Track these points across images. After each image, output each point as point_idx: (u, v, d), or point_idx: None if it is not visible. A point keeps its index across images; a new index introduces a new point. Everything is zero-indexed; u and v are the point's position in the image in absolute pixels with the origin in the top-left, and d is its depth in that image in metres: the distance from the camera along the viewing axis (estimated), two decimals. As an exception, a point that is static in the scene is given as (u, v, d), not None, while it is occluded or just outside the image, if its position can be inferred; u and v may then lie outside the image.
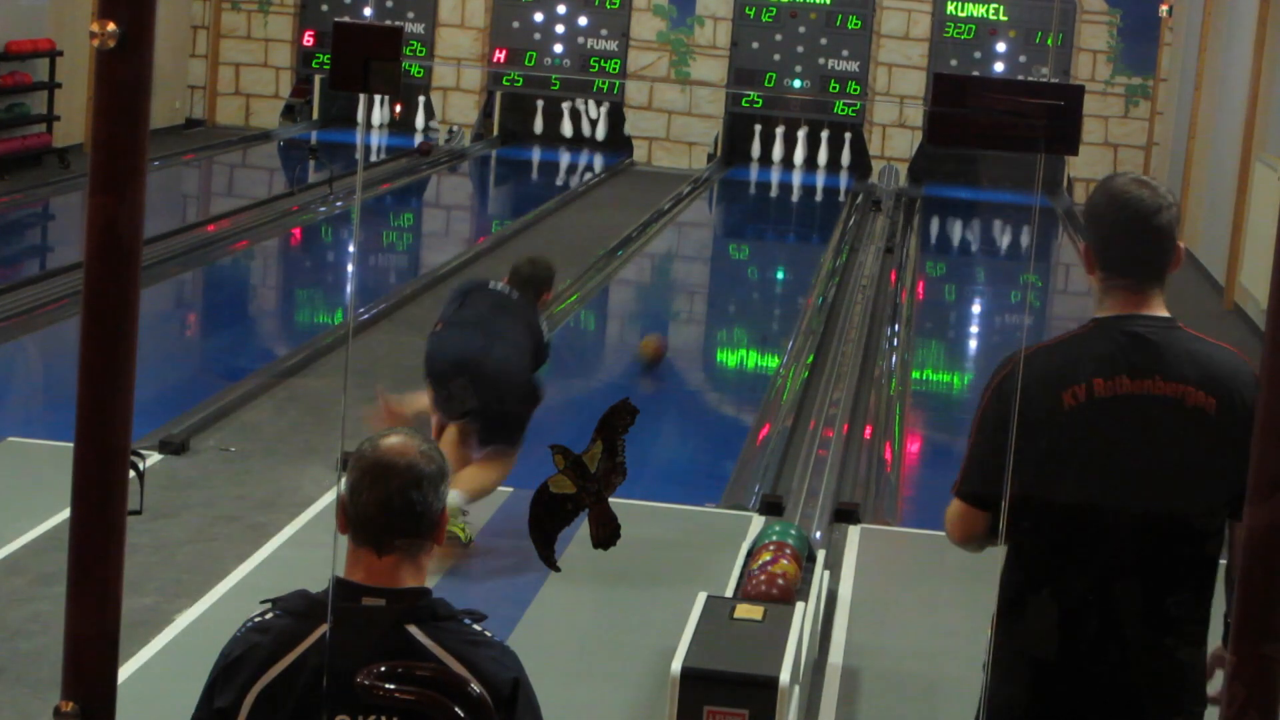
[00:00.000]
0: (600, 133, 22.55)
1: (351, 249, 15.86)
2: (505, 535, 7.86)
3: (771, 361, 12.56)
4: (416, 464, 3.07)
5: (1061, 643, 3.82)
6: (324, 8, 22.34)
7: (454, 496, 7.40)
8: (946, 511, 3.98)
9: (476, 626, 3.06)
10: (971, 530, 3.91)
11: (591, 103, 22.56)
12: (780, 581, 6.46)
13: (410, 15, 22.05)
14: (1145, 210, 3.82)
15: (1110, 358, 3.78)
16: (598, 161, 22.03)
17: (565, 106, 22.62)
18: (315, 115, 22.55)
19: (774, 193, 21.45)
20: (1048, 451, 3.74)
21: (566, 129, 22.63)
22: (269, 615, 3.07)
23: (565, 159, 22.26)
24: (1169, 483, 3.77)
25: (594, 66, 22.18)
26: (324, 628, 2.98)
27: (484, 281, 8.07)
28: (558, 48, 22.28)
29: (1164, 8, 21.17)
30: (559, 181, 21.51)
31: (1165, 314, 3.86)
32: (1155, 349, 3.78)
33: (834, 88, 21.93)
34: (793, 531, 7.10)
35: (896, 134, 21.92)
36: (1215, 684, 3.94)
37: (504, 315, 7.81)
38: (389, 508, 3.05)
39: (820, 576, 7.06)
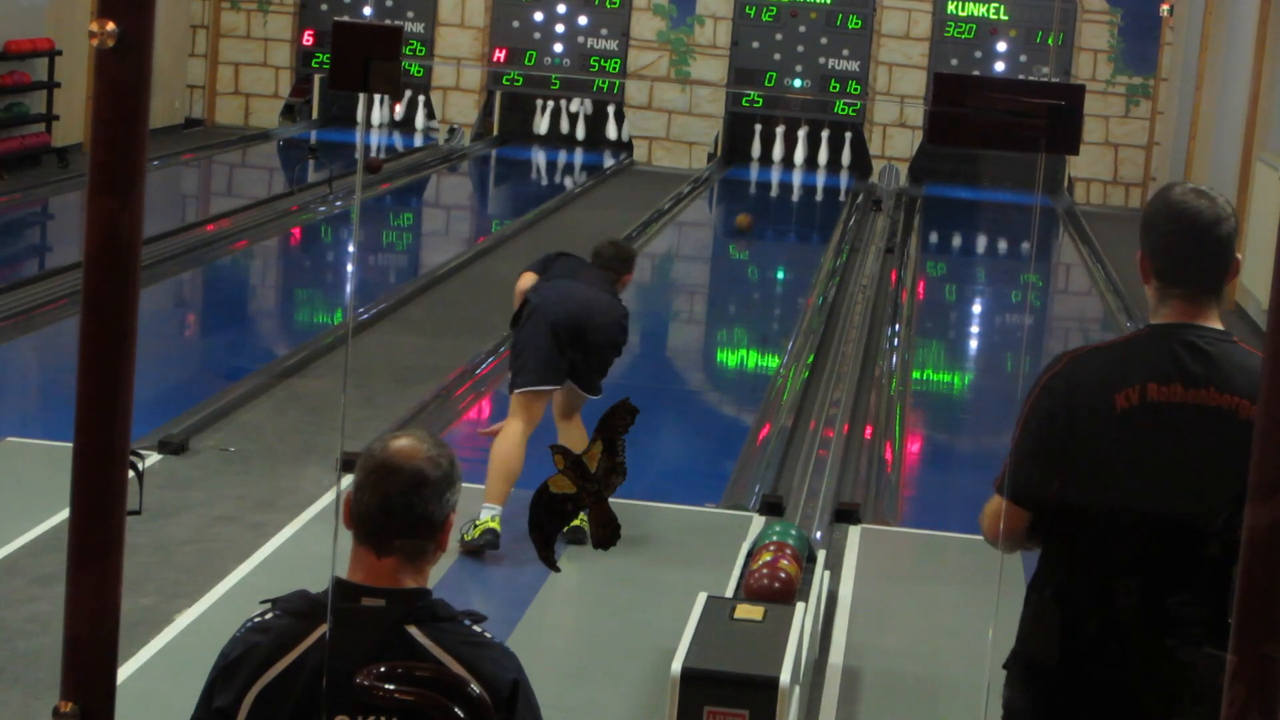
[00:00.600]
0: (600, 132, 22.55)
1: (351, 249, 15.86)
2: (505, 535, 7.85)
3: (771, 361, 12.56)
4: (421, 468, 3.06)
5: (1097, 647, 3.79)
6: (324, 7, 22.34)
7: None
8: (985, 507, 3.95)
9: (476, 628, 3.06)
10: (1011, 528, 3.86)
11: (590, 102, 22.56)
12: (782, 575, 6.46)
13: (410, 15, 22.05)
14: (1204, 221, 3.81)
15: (1165, 364, 3.77)
16: (597, 161, 22.03)
17: (561, 104, 22.61)
18: (315, 115, 22.55)
19: (774, 192, 21.45)
20: (1096, 453, 3.72)
21: (565, 128, 22.62)
22: (269, 615, 3.07)
23: (563, 158, 22.25)
24: (1216, 493, 3.72)
25: (594, 66, 22.18)
26: (324, 628, 2.98)
27: (564, 254, 8.25)
28: (558, 47, 22.28)
29: (1165, 7, 21.17)
30: (558, 180, 21.51)
31: (1220, 326, 3.85)
32: (1211, 360, 3.77)
33: (834, 87, 21.93)
34: (793, 532, 7.10)
35: (897, 134, 21.92)
36: None
37: (596, 280, 8.03)
38: (388, 509, 3.05)
39: (820, 576, 7.06)
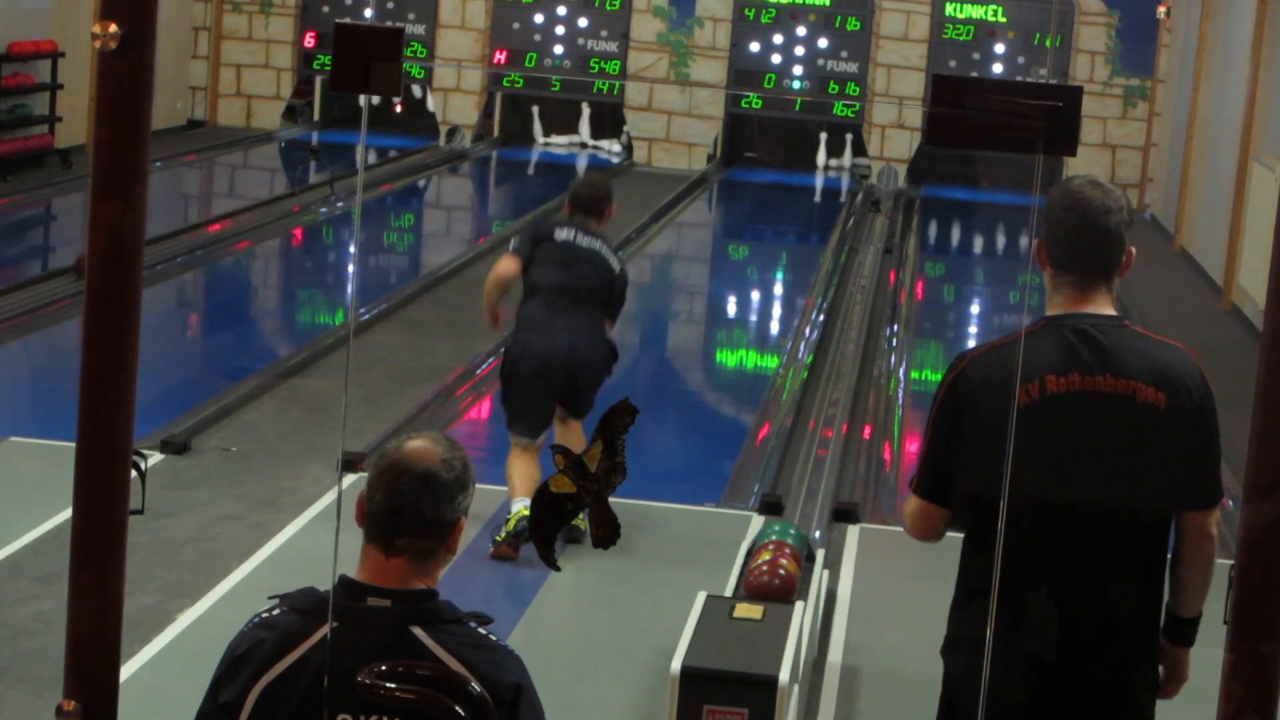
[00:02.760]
0: (600, 133, 22.56)
1: (352, 249, 15.87)
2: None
3: (771, 361, 12.57)
4: (433, 470, 3.07)
5: (1017, 631, 3.92)
6: (325, 9, 22.35)
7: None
8: (905, 509, 4.10)
9: (481, 630, 3.07)
10: (930, 525, 4.05)
11: (589, 104, 22.57)
12: (782, 572, 6.47)
13: (411, 16, 22.05)
14: (1094, 210, 3.94)
15: (1061, 355, 3.89)
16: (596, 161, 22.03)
17: (563, 107, 22.63)
18: (316, 116, 22.55)
19: (774, 193, 21.45)
20: (1003, 447, 3.80)
21: (567, 129, 22.64)
22: (276, 611, 3.07)
23: (557, 159, 22.26)
24: (1120, 477, 3.89)
25: (594, 67, 22.18)
26: (328, 626, 2.98)
27: (549, 231, 8.08)
28: (558, 49, 22.28)
29: (1162, 9, 21.18)
30: (556, 177, 21.52)
31: (1113, 312, 3.97)
32: (1103, 347, 3.90)
33: (833, 89, 21.94)
34: (792, 531, 7.11)
35: (896, 135, 21.92)
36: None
37: (576, 299, 7.90)
38: (397, 509, 3.05)
39: (820, 576, 7.07)
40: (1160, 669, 4.09)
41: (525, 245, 8.08)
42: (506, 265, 8.04)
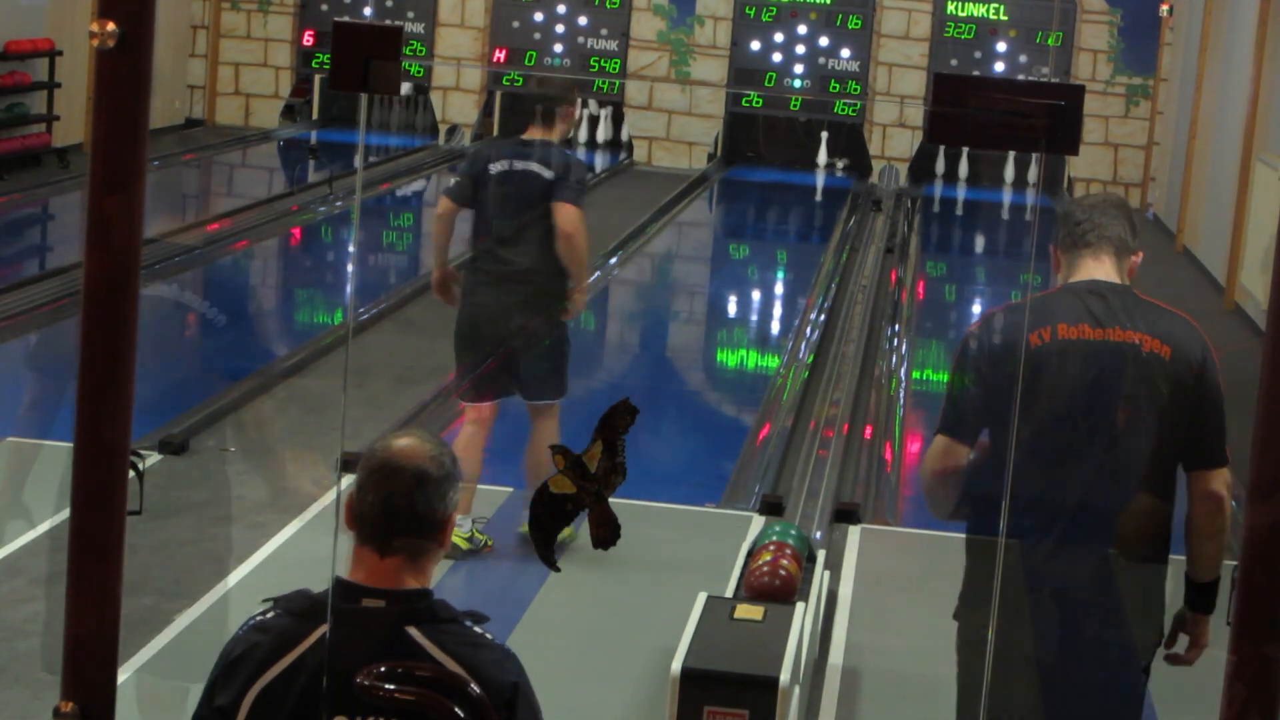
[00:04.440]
0: (600, 133, 22.55)
1: (351, 249, 15.86)
2: (505, 535, 7.86)
3: (771, 361, 12.56)
4: (423, 467, 3.06)
5: (1023, 573, 4.25)
6: (324, 7, 22.34)
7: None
8: (928, 451, 4.40)
9: (477, 629, 3.06)
10: (953, 463, 4.32)
11: (592, 102, 22.57)
12: (783, 572, 6.47)
13: (410, 15, 22.05)
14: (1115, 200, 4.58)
15: (1073, 309, 4.27)
16: (597, 161, 22.03)
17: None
18: (315, 115, 22.55)
19: (774, 192, 21.45)
20: (1016, 388, 4.22)
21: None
22: (270, 614, 3.06)
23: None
24: (1125, 423, 4.21)
25: (594, 66, 22.18)
26: (324, 628, 2.98)
27: (484, 163, 7.39)
28: (558, 47, 22.28)
29: (1164, 7, 21.17)
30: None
31: (1125, 282, 4.38)
32: (1113, 305, 4.28)
33: (834, 87, 21.93)
34: (793, 532, 7.09)
35: (897, 134, 21.91)
36: (1180, 645, 4.18)
37: (526, 237, 7.42)
38: (391, 509, 3.05)
39: (820, 576, 7.06)
40: (1182, 636, 4.34)
41: (464, 185, 7.50)
42: (441, 208, 7.52)
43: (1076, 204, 4.54)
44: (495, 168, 7.41)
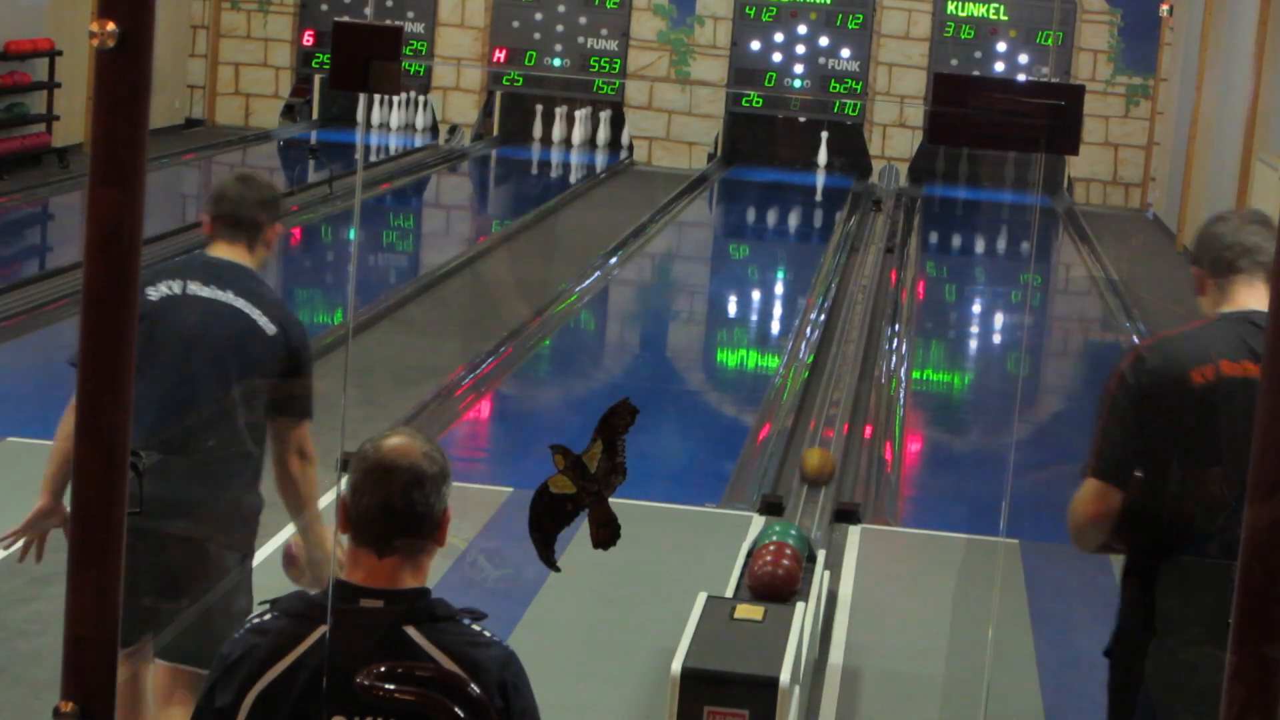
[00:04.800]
0: (600, 134, 22.55)
1: (352, 249, 15.86)
2: (505, 535, 7.86)
3: (771, 361, 12.56)
4: (418, 465, 3.06)
5: (1182, 610, 4.06)
6: (324, 7, 22.34)
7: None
8: (1075, 496, 4.16)
9: (476, 626, 3.05)
10: (1107, 507, 4.10)
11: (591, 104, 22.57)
12: (785, 562, 6.47)
13: (410, 15, 22.05)
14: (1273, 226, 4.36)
15: (1236, 343, 4.06)
16: (597, 161, 22.03)
17: (561, 110, 22.62)
18: (315, 115, 22.55)
19: (774, 192, 21.46)
20: (1178, 426, 4.02)
21: (563, 129, 22.63)
22: (268, 616, 3.06)
23: (557, 157, 22.26)
24: None
25: (594, 66, 22.18)
26: (323, 629, 2.97)
27: (164, 300, 5.03)
28: (558, 47, 22.28)
29: (1165, 7, 21.17)
30: (555, 176, 21.51)
31: None
32: None
33: (834, 87, 21.93)
34: (793, 531, 7.10)
35: (896, 134, 21.91)
36: None
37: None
38: (389, 509, 3.04)
39: (820, 576, 7.06)
40: None
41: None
42: None
43: (1222, 223, 4.34)
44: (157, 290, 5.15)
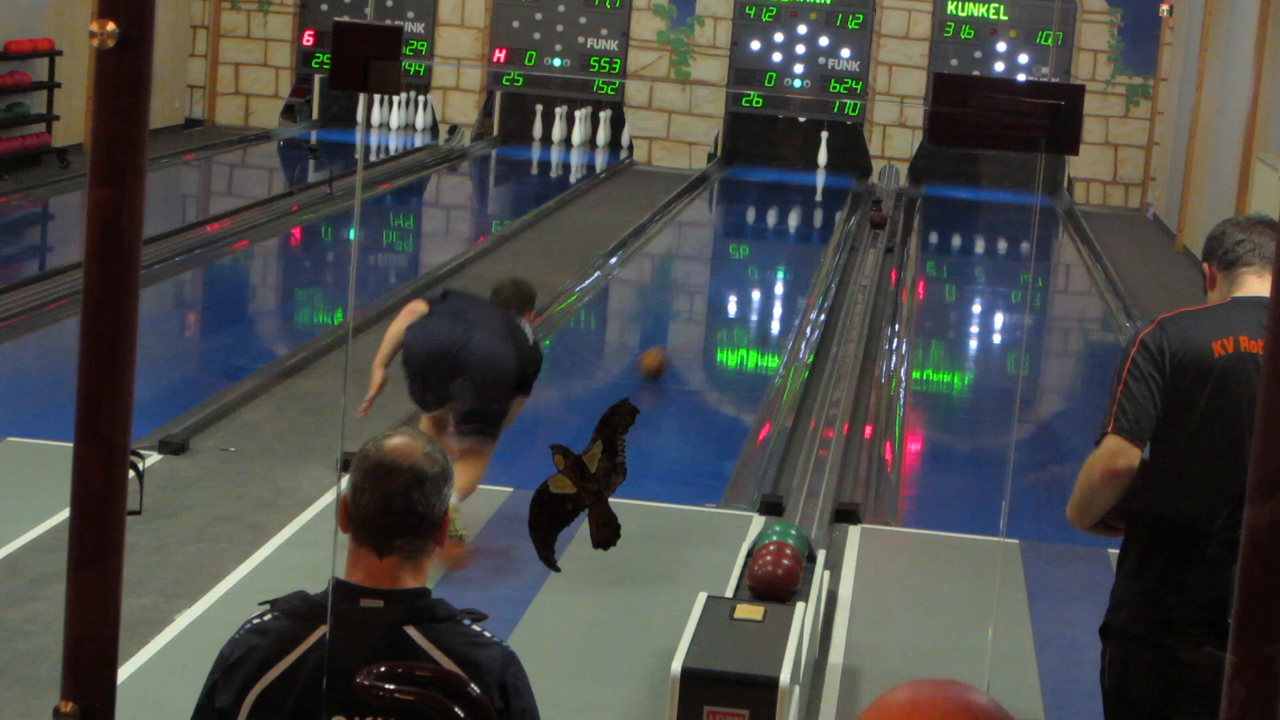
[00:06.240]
0: (600, 134, 22.56)
1: (352, 250, 15.85)
2: (505, 535, 7.86)
3: (771, 361, 12.56)
4: (419, 465, 3.06)
5: (1189, 573, 4.16)
6: (324, 7, 22.35)
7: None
8: (1092, 455, 4.24)
9: (476, 627, 3.05)
10: (1126, 464, 4.20)
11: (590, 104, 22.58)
12: (785, 562, 6.47)
13: (410, 15, 22.05)
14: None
15: (1252, 323, 4.22)
16: (597, 160, 22.04)
17: (561, 110, 22.63)
18: (315, 115, 22.56)
19: (774, 193, 21.46)
20: (1196, 397, 4.16)
21: (563, 129, 22.63)
22: (267, 617, 3.06)
23: (557, 157, 22.26)
24: None
25: (594, 66, 22.18)
26: (323, 629, 2.97)
27: (463, 290, 7.95)
28: (558, 47, 22.29)
29: (1165, 7, 21.18)
30: (555, 176, 21.51)
31: None
32: None
33: (834, 87, 21.93)
34: (793, 532, 7.10)
35: (897, 134, 21.92)
36: None
37: (485, 311, 7.75)
38: (390, 509, 3.04)
39: (820, 576, 7.06)
40: None
41: (434, 296, 7.96)
42: (415, 306, 7.91)
43: (1233, 223, 4.48)
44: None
